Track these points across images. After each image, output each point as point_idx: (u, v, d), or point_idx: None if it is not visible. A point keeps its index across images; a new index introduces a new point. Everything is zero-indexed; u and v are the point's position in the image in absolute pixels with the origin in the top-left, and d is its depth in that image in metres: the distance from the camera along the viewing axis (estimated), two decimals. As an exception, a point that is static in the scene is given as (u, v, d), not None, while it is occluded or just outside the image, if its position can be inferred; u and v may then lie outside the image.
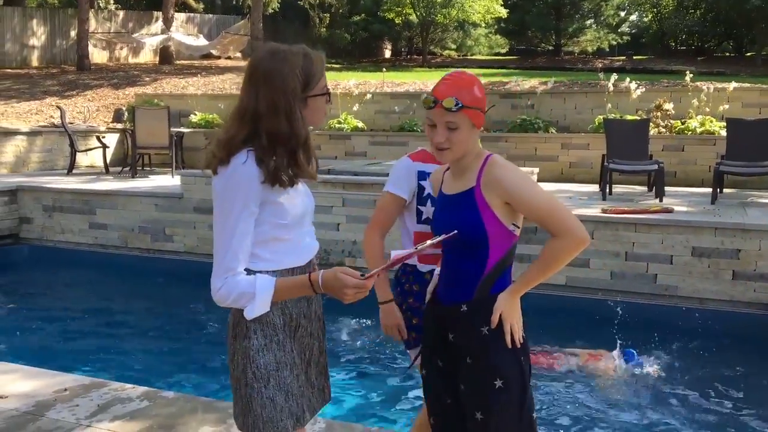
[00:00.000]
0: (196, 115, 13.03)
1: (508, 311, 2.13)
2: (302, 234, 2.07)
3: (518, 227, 2.18)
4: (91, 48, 18.87)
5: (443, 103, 2.09)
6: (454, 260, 2.21)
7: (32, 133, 11.92)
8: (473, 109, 2.12)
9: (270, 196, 1.95)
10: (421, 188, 2.68)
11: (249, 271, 1.97)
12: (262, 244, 1.99)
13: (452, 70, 2.22)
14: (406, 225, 2.82)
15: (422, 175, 2.67)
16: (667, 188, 8.36)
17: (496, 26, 25.91)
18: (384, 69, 15.04)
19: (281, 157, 1.94)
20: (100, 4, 24.10)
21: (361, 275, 1.89)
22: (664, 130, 10.29)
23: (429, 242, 2.02)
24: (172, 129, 10.81)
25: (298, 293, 1.99)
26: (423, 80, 14.66)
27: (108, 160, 11.38)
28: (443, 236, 2.07)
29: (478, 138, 2.22)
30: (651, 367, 5.35)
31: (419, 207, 2.72)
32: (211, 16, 24.86)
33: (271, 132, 1.91)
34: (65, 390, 3.98)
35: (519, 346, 2.15)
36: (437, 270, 2.40)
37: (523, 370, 2.15)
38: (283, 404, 1.99)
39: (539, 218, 2.11)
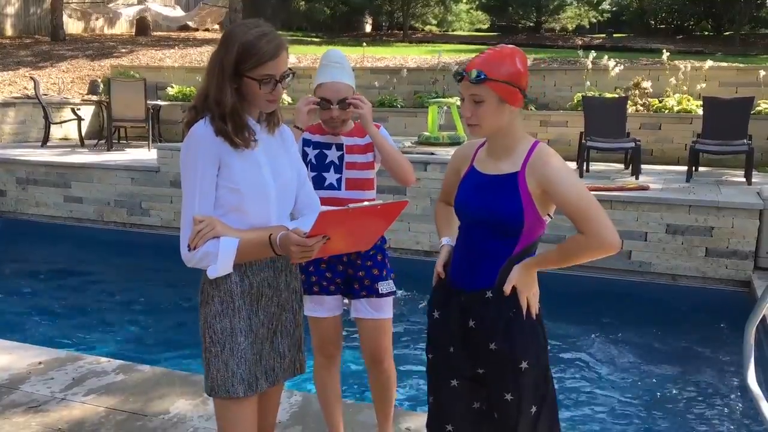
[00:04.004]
0: (173, 87, 12.86)
1: (523, 283, 2.08)
2: (266, 211, 2.06)
3: (551, 217, 2.12)
4: (65, 18, 18.49)
5: (466, 74, 2.02)
6: (479, 242, 2.12)
7: (5, 105, 11.69)
8: (501, 83, 2.00)
9: (224, 158, 1.99)
10: (305, 153, 2.92)
11: None
12: (222, 210, 2.01)
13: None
14: None
15: (306, 143, 2.92)
16: (643, 166, 8.42)
17: (477, 2, 25.75)
18: (364, 44, 14.87)
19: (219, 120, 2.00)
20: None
21: (304, 233, 1.91)
22: (641, 108, 10.35)
23: (379, 203, 1.92)
24: (148, 102, 10.66)
25: (259, 254, 2.03)
26: (403, 55, 14.56)
27: (83, 133, 11.22)
28: (388, 202, 1.92)
29: (516, 118, 2.09)
30: (623, 343, 5.44)
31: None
32: (188, -13, 24.44)
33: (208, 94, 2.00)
34: (40, 363, 3.97)
35: (535, 318, 2.11)
36: (446, 240, 2.30)
37: (545, 348, 2.13)
38: (235, 369, 2.03)
39: (570, 212, 2.02)
